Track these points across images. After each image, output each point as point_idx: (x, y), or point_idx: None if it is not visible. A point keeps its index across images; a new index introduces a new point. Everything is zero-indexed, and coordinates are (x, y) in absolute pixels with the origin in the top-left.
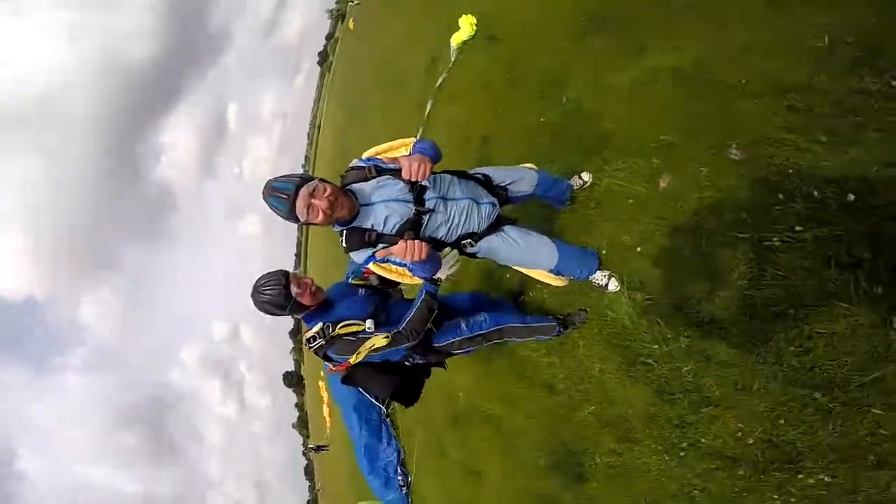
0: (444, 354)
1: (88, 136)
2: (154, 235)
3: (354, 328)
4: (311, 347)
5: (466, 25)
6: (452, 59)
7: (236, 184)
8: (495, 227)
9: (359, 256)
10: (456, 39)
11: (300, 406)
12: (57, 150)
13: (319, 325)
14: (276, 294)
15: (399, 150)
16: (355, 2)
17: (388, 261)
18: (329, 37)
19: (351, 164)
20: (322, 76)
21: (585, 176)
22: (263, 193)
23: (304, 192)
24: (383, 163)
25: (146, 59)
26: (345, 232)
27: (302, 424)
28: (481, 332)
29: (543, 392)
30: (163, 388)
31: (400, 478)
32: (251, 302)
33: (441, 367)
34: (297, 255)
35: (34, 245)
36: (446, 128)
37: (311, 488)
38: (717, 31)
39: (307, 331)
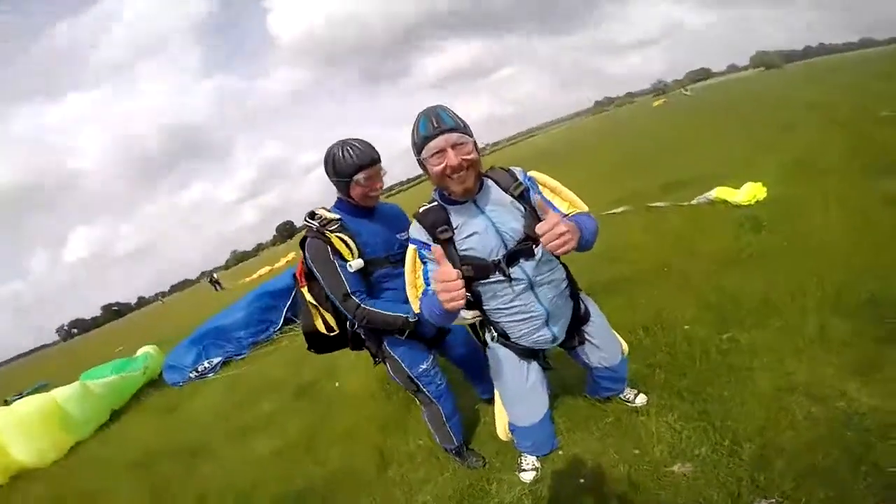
0: (382, 352)
1: None
2: None
3: (345, 250)
4: (305, 221)
5: (749, 191)
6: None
7: None
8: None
9: (415, 232)
10: (726, 194)
11: None
12: None
13: (325, 215)
14: (347, 161)
15: (562, 196)
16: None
17: (423, 260)
18: None
19: (501, 166)
20: None
21: (639, 399)
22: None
23: (449, 136)
24: (534, 185)
25: None
26: (433, 206)
27: None
28: (421, 387)
29: None
30: None
31: None
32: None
33: (373, 356)
34: None
35: None
36: None
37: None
38: None
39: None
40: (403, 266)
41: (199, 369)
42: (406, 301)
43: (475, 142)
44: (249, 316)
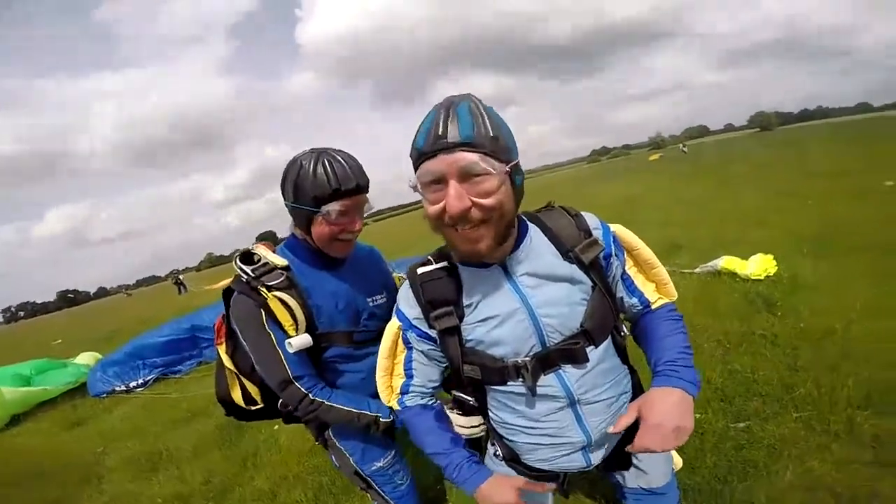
0: (324, 439)
1: None
2: None
3: (286, 319)
4: (235, 265)
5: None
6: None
7: None
8: None
9: (405, 304)
10: (735, 265)
11: None
12: None
13: (267, 258)
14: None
15: (649, 275)
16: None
17: (408, 345)
18: None
19: (564, 205)
20: None
21: None
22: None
23: (457, 157)
24: (620, 251)
25: None
26: (439, 268)
27: None
28: (374, 485)
29: None
30: None
31: None
32: None
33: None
34: None
35: None
36: None
37: None
38: None
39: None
40: (371, 347)
41: (131, 384)
42: (373, 387)
43: (511, 170)
44: (168, 343)
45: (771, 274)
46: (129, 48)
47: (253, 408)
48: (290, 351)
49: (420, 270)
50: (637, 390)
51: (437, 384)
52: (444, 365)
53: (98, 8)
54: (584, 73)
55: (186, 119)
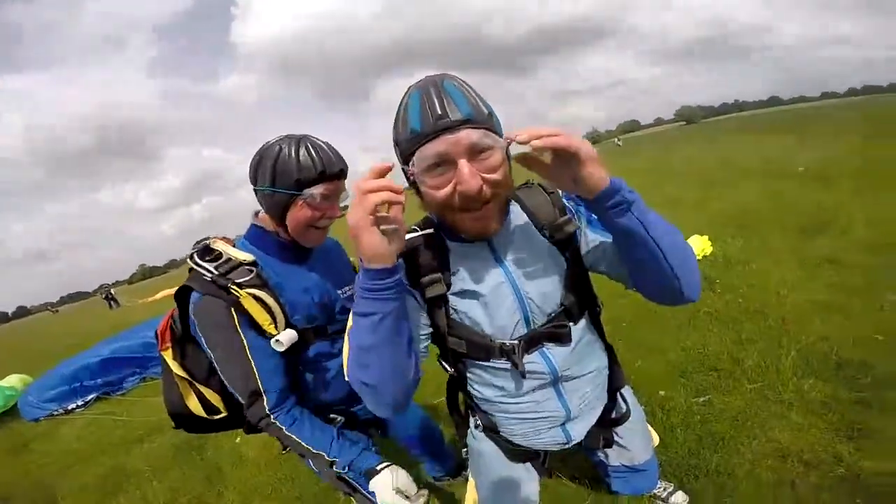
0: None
1: None
2: None
3: (264, 319)
4: (191, 262)
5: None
6: None
7: None
8: None
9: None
10: None
11: None
12: None
13: (230, 254)
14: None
15: None
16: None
17: None
18: None
19: (542, 182)
20: None
21: (676, 498)
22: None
23: (464, 135)
24: (581, 211)
25: None
26: (427, 235)
27: None
28: (358, 487)
29: None
30: None
31: None
32: None
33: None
34: None
35: None
36: None
37: None
38: None
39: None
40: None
41: (70, 407)
42: None
43: (506, 146)
44: (108, 362)
45: (708, 254)
46: (44, 49)
47: (216, 417)
48: (279, 349)
49: (407, 237)
50: (613, 365)
51: (422, 352)
52: (428, 338)
53: (8, 5)
54: (527, 72)
55: (112, 124)
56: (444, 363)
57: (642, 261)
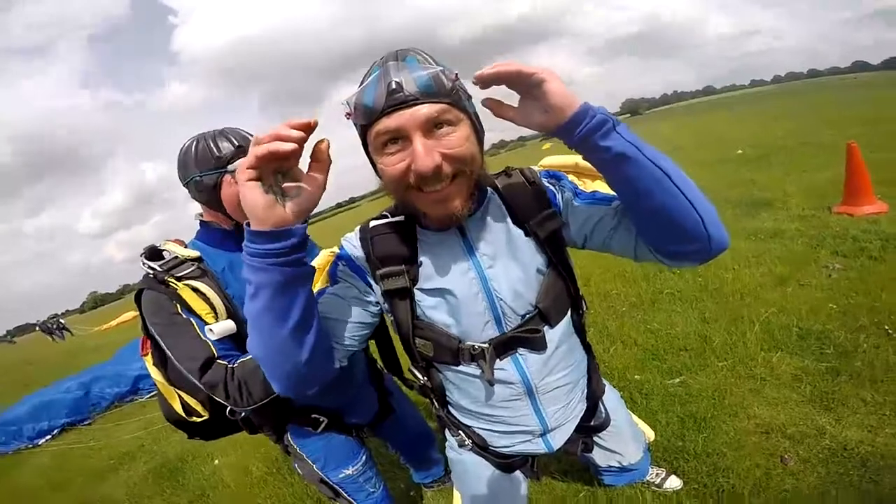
0: (285, 445)
1: None
2: None
3: (202, 308)
4: (142, 264)
5: None
6: None
7: None
8: None
9: (350, 247)
10: None
11: None
12: None
13: (175, 252)
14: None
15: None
16: None
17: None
18: None
19: (524, 168)
20: None
21: (671, 483)
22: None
23: (420, 110)
24: (563, 184)
25: None
26: (396, 221)
27: None
28: (344, 494)
29: None
30: None
31: None
32: None
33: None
34: None
35: None
36: None
37: None
38: None
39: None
40: None
41: (38, 441)
42: None
43: (475, 119)
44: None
45: None
46: None
47: (197, 420)
48: (212, 338)
49: (373, 223)
50: (592, 374)
51: (346, 346)
52: (363, 331)
53: None
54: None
55: (39, 140)
56: (414, 371)
57: (649, 194)
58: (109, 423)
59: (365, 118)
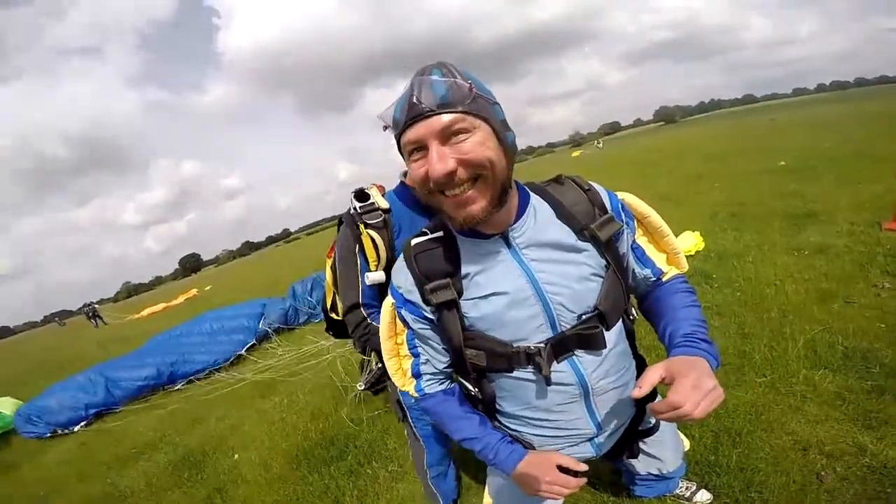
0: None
1: None
2: None
3: (371, 253)
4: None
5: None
6: None
7: None
8: None
9: (399, 278)
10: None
11: None
12: None
13: (374, 199)
14: None
15: (661, 244)
16: None
17: (406, 324)
18: None
19: (575, 177)
20: None
21: (701, 496)
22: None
23: (436, 121)
24: (631, 222)
25: None
26: (437, 237)
27: None
28: (408, 418)
29: None
30: None
31: None
32: None
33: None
34: None
35: None
36: None
37: None
38: None
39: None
40: None
41: (74, 428)
42: None
43: (497, 124)
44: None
45: (700, 249)
46: (22, 59)
47: (335, 317)
48: (367, 283)
49: (414, 241)
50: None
51: (448, 364)
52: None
53: None
54: (508, 78)
55: (89, 137)
56: (462, 380)
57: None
58: (134, 412)
59: (395, 130)
